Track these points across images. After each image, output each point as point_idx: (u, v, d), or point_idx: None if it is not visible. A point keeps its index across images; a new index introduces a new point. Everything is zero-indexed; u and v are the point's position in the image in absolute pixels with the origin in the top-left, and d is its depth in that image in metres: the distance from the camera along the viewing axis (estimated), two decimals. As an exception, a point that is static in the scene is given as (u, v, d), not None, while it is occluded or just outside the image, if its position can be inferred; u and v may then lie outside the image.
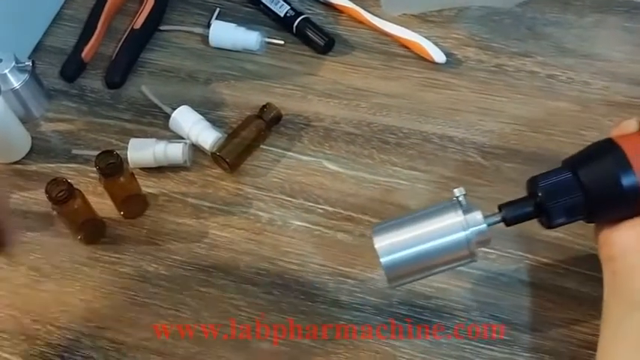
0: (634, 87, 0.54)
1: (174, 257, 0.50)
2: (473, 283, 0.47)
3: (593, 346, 0.44)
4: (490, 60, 0.57)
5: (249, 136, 0.53)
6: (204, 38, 0.59)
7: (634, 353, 0.38)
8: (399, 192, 0.51)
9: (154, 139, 0.53)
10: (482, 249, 0.47)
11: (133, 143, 0.52)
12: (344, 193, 0.52)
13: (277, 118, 0.54)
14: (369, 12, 0.59)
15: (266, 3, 0.60)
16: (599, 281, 0.46)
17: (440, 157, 0.53)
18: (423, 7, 0.58)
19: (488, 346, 0.45)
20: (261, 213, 0.51)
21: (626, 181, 0.39)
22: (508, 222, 0.41)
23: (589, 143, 0.51)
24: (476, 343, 0.45)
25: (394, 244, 0.41)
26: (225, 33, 0.58)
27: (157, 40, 0.60)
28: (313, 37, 0.58)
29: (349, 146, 0.54)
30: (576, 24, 0.58)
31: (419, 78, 0.56)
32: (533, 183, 0.41)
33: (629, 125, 0.41)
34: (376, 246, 0.41)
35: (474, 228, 0.40)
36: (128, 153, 0.52)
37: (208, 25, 0.59)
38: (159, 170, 0.53)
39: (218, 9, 0.60)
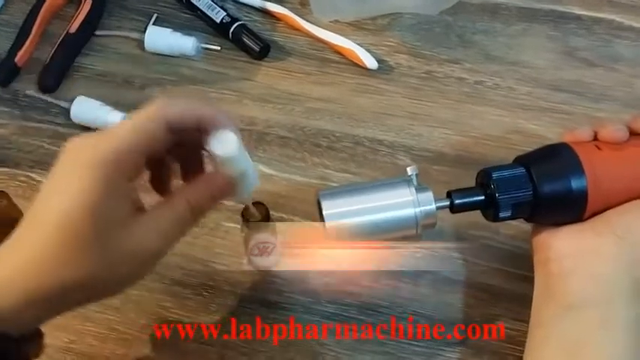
0: (556, 92, 0.57)
1: (105, 260, 0.50)
2: (399, 281, 0.48)
3: (514, 341, 0.46)
4: (420, 67, 0.58)
5: None
6: (141, 44, 0.59)
7: (565, 355, 0.39)
8: (330, 194, 0.52)
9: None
10: (425, 256, 0.49)
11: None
12: (276, 195, 0.52)
13: None
14: (305, 19, 0.60)
15: (203, 9, 0.60)
16: (521, 279, 0.48)
17: (370, 160, 0.54)
18: (354, 13, 0.60)
19: (412, 342, 0.46)
20: (193, 215, 0.52)
21: (576, 184, 0.40)
22: (455, 208, 0.42)
23: (513, 146, 0.54)
24: (399, 340, 0.46)
25: (342, 213, 0.41)
26: (161, 38, 0.59)
27: (93, 45, 0.60)
28: (249, 42, 0.59)
29: (282, 149, 0.55)
30: (503, 32, 0.60)
31: (352, 84, 0.58)
32: (485, 174, 0.42)
33: (583, 133, 0.43)
34: (324, 212, 0.40)
35: (424, 208, 0.41)
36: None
37: (145, 31, 0.59)
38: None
39: (155, 15, 0.61)
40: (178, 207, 0.38)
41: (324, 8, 0.60)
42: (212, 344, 0.46)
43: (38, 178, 0.53)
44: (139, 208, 0.39)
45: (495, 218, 0.42)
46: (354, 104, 0.57)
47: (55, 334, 0.46)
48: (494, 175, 0.41)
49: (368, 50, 0.58)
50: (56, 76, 0.57)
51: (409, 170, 0.42)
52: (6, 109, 0.57)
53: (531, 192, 0.41)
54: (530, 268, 0.46)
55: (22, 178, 0.53)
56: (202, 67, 0.59)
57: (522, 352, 0.42)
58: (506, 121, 0.55)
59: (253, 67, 0.59)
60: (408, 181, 0.41)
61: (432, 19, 0.61)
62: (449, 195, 0.42)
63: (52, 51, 0.58)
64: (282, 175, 0.53)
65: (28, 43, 0.58)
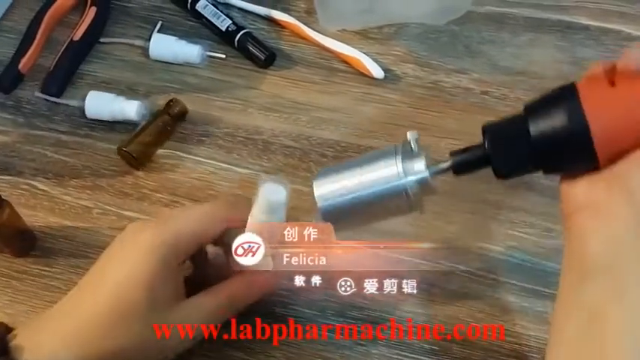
0: (563, 103, 0.56)
1: (107, 270, 0.49)
2: (405, 294, 0.48)
3: (522, 356, 0.45)
4: (427, 76, 0.58)
5: (155, 131, 0.54)
6: (146, 51, 0.59)
7: (585, 332, 0.34)
8: (336, 204, 0.52)
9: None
10: (416, 260, 0.48)
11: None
12: (281, 205, 0.52)
13: (183, 113, 0.55)
14: (311, 28, 0.60)
15: (208, 17, 0.60)
16: (528, 292, 0.47)
17: (376, 171, 0.53)
18: (360, 22, 0.60)
19: (418, 357, 0.45)
20: (197, 225, 0.51)
21: (576, 127, 0.36)
22: (456, 169, 0.39)
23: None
24: (405, 353, 0.45)
25: (332, 191, 0.40)
26: (166, 46, 0.58)
27: (97, 52, 0.60)
28: (254, 51, 0.58)
29: (287, 159, 0.54)
30: (511, 42, 0.60)
31: (358, 93, 0.57)
32: (483, 129, 0.39)
33: (595, 67, 0.38)
34: (315, 193, 0.41)
35: (414, 177, 0.39)
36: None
37: (150, 38, 0.59)
38: (93, 183, 0.53)
39: (160, 22, 0.60)
40: (220, 300, 0.41)
41: (331, 17, 0.59)
42: (213, 356, 0.46)
43: (41, 187, 0.53)
44: (181, 291, 0.41)
45: (499, 173, 0.38)
46: (360, 114, 0.56)
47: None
48: (487, 127, 0.39)
49: (374, 59, 0.58)
50: (60, 83, 0.57)
51: (409, 135, 0.39)
52: (9, 117, 0.57)
53: (525, 140, 0.37)
54: (541, 283, 0.46)
55: (25, 187, 0.53)
56: (207, 75, 0.58)
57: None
58: (514, 132, 0.55)
59: (259, 76, 0.58)
60: (397, 149, 0.39)
61: (438, 29, 0.60)
62: (450, 156, 0.39)
63: (56, 58, 0.58)
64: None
65: (32, 49, 0.58)
